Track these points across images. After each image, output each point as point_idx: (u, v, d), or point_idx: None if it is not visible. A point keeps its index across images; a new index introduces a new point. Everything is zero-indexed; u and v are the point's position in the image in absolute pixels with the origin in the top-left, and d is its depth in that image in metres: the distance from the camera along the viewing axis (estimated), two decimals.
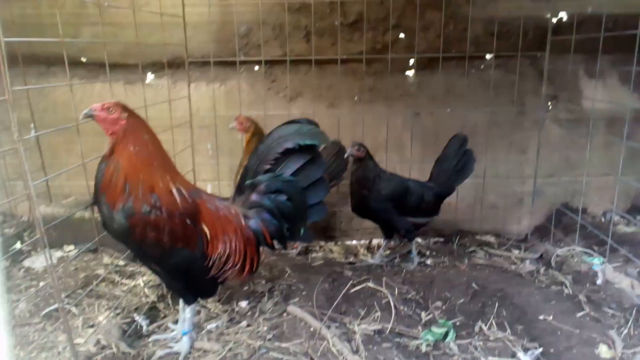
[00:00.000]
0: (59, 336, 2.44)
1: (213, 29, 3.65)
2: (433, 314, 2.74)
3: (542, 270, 3.25)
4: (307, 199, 2.35)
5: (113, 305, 2.77)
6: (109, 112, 2.04)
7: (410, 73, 3.83)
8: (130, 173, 2.04)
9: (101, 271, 3.16)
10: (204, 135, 3.80)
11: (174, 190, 2.13)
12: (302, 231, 2.42)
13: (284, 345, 2.39)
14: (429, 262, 3.50)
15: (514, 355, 2.36)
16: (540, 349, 2.39)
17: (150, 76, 3.76)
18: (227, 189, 3.76)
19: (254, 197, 2.34)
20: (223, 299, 2.88)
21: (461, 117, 3.74)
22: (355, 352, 2.35)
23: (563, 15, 3.69)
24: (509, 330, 2.57)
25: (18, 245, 3.51)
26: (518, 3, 3.65)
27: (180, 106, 3.55)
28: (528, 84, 3.86)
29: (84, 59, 3.69)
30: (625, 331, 2.49)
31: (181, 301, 2.49)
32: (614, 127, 3.81)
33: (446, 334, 2.51)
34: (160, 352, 2.39)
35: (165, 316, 2.77)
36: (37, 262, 3.34)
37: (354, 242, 4.00)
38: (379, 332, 2.55)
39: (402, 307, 2.78)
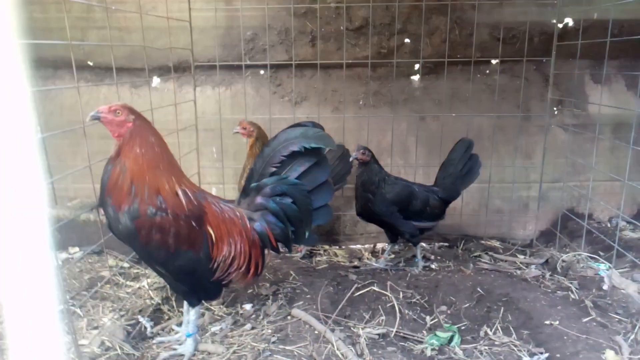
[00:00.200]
0: (63, 337, 2.44)
1: (219, 34, 3.67)
2: (438, 318, 2.73)
3: (547, 275, 3.24)
4: (312, 202, 2.36)
5: (117, 307, 2.78)
6: (116, 114, 2.05)
7: (415, 78, 3.84)
8: (136, 175, 2.04)
9: (106, 273, 3.17)
10: (209, 138, 3.81)
11: (180, 193, 2.13)
12: (307, 234, 2.42)
13: (288, 348, 2.39)
14: (433, 266, 3.49)
15: None
16: (547, 354, 2.37)
17: (156, 80, 3.78)
18: (231, 192, 3.77)
19: (259, 199, 2.34)
20: (227, 301, 2.88)
21: (466, 122, 3.74)
22: (360, 355, 2.34)
23: (569, 20, 3.69)
24: (514, 335, 2.55)
25: None
26: (524, 8, 3.65)
27: (185, 109, 3.57)
28: (534, 89, 3.86)
29: (90, 63, 3.72)
30: (632, 337, 2.47)
31: (185, 303, 2.49)
32: (620, 132, 3.80)
33: (451, 339, 2.50)
34: (164, 354, 2.40)
35: (169, 318, 2.77)
36: None
37: (359, 246, 4.00)
38: (384, 335, 2.54)
39: (406, 311, 2.77)
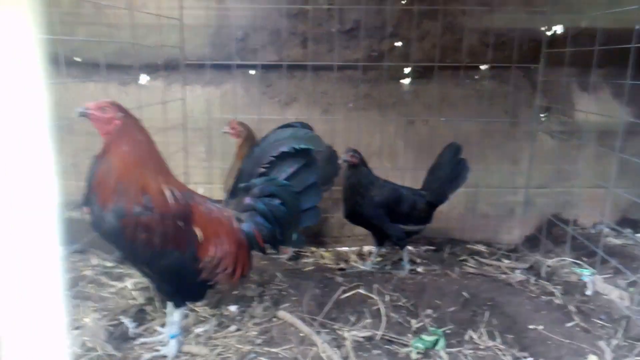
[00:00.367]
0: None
1: (210, 32, 3.64)
2: (423, 322, 2.73)
3: (532, 280, 3.26)
4: (301, 204, 2.35)
5: (100, 307, 2.74)
6: (104, 111, 2.02)
7: (405, 81, 3.85)
8: (123, 173, 2.02)
9: (88, 272, 3.12)
10: (197, 137, 3.78)
11: (167, 192, 2.11)
12: (295, 236, 2.41)
13: (273, 350, 2.37)
14: (420, 269, 3.50)
15: None
16: (531, 359, 2.39)
17: (145, 77, 3.74)
18: (219, 193, 3.73)
19: (247, 200, 2.33)
20: (212, 302, 2.86)
21: (455, 126, 3.76)
22: (345, 358, 2.33)
23: (558, 28, 3.73)
24: (499, 339, 2.57)
25: None
26: (513, 15, 3.68)
27: (174, 108, 3.54)
28: (522, 95, 3.89)
29: (78, 59, 3.67)
30: (615, 342, 2.50)
31: (169, 304, 2.46)
32: (606, 139, 3.84)
33: (436, 342, 2.51)
34: (147, 355, 2.36)
35: (153, 319, 2.73)
36: None
37: (345, 248, 3.99)
38: (369, 338, 2.54)
39: (392, 314, 2.77)
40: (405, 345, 2.50)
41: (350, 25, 3.67)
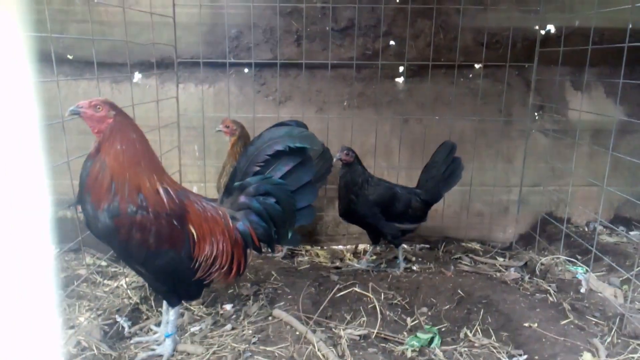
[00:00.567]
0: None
1: (203, 30, 3.62)
2: (419, 320, 2.74)
3: (526, 278, 3.27)
4: (295, 202, 2.34)
5: (94, 306, 2.72)
6: (96, 109, 2.00)
7: (399, 80, 3.85)
8: (116, 172, 2.00)
9: (83, 271, 3.10)
10: (191, 136, 3.76)
11: (161, 191, 2.10)
12: (289, 234, 2.40)
13: (269, 349, 2.37)
14: (415, 268, 3.50)
15: None
16: (525, 356, 2.40)
17: (138, 75, 3.71)
18: (213, 191, 3.73)
19: (242, 199, 2.32)
20: (207, 301, 2.85)
21: (449, 125, 3.77)
22: (341, 356, 2.33)
23: (551, 27, 3.74)
24: (494, 337, 2.58)
25: None
26: (507, 14, 3.69)
27: (167, 106, 3.52)
28: (515, 94, 3.91)
29: (70, 57, 3.64)
30: (609, 339, 2.52)
31: (165, 303, 2.45)
32: (599, 138, 3.87)
33: (431, 340, 2.51)
34: (142, 355, 2.35)
35: (148, 318, 2.72)
36: None
37: (340, 247, 3.99)
38: (365, 337, 2.54)
39: (388, 313, 2.77)
40: (401, 343, 2.51)
41: (344, 23, 3.67)
